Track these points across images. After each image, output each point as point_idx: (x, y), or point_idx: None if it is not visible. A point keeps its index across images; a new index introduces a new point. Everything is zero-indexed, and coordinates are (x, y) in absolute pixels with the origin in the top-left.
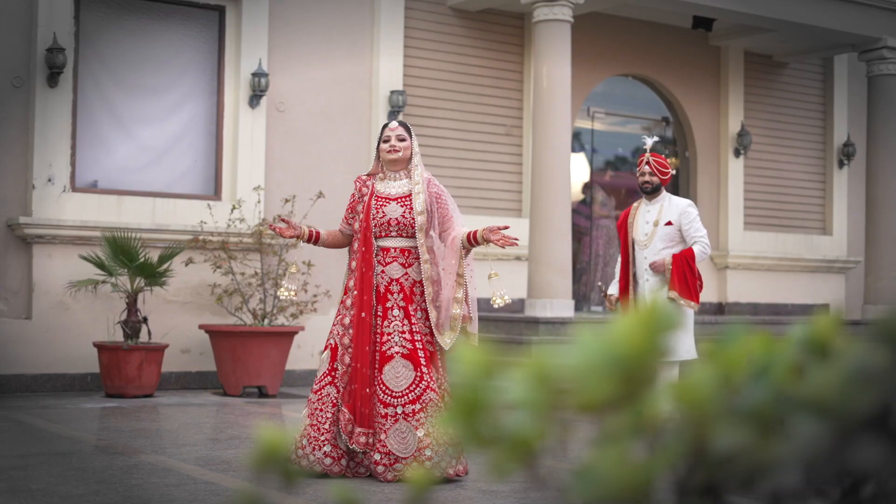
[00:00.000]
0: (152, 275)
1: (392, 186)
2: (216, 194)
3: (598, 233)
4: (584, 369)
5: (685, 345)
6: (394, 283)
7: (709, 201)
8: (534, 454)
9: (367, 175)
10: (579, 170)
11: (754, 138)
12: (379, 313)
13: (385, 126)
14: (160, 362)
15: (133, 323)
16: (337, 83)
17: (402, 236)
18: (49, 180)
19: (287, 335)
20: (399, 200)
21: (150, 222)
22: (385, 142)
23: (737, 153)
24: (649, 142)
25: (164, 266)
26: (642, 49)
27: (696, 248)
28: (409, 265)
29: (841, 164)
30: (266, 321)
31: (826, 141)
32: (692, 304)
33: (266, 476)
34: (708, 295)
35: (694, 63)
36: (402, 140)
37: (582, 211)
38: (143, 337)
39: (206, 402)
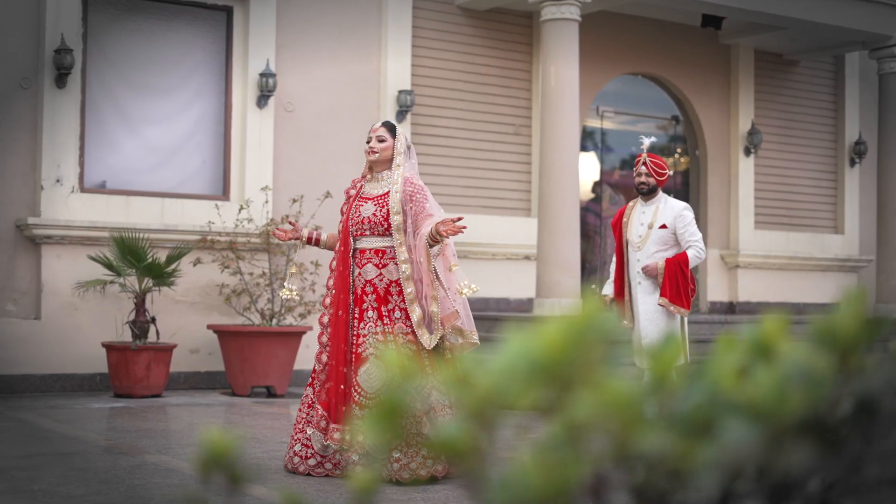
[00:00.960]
0: (160, 275)
1: (376, 187)
2: (224, 194)
3: (608, 231)
4: (506, 373)
5: None
6: (368, 284)
7: (719, 200)
8: (461, 457)
9: (362, 176)
10: (589, 169)
11: (765, 137)
12: (356, 315)
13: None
14: (168, 362)
15: (141, 323)
16: (345, 83)
17: (375, 235)
18: (57, 181)
19: (295, 335)
20: (375, 200)
21: (159, 222)
22: (367, 143)
23: (747, 152)
24: (647, 142)
25: (172, 266)
26: (651, 48)
27: (689, 253)
28: (384, 266)
29: (852, 163)
30: (274, 321)
31: (837, 139)
32: (682, 310)
33: (212, 478)
34: (718, 294)
35: (704, 61)
36: (382, 140)
37: (592, 209)
38: (152, 337)
39: (214, 402)
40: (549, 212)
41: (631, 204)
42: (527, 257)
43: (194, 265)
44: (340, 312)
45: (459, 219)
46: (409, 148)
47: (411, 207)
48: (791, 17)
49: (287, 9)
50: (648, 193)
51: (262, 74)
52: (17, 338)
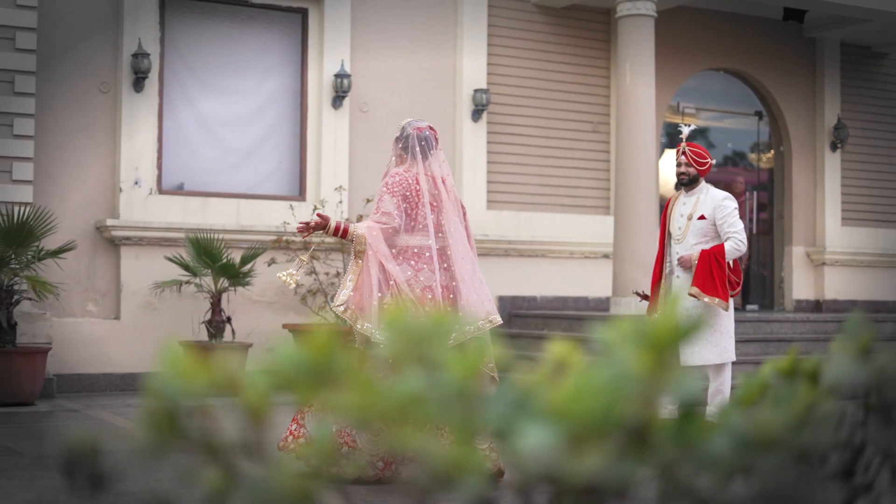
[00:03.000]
0: (235, 275)
1: None
2: (300, 195)
3: None
4: (270, 374)
5: (713, 348)
6: None
7: (805, 196)
8: (224, 460)
9: None
10: (673, 166)
11: (852, 131)
12: None
13: None
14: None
15: (217, 322)
16: (420, 83)
17: None
18: (136, 183)
19: None
20: None
21: (235, 223)
22: None
23: (833, 147)
24: (685, 130)
25: (247, 266)
26: (733, 42)
27: (727, 245)
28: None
29: None
30: None
31: None
32: (717, 301)
33: (74, 476)
34: (804, 292)
35: (788, 56)
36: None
37: None
38: (228, 336)
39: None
40: (626, 210)
41: (675, 195)
42: (605, 256)
43: (269, 265)
44: None
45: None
46: (406, 137)
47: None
48: (876, 10)
49: (362, 10)
50: (689, 184)
51: (336, 75)
52: (98, 337)
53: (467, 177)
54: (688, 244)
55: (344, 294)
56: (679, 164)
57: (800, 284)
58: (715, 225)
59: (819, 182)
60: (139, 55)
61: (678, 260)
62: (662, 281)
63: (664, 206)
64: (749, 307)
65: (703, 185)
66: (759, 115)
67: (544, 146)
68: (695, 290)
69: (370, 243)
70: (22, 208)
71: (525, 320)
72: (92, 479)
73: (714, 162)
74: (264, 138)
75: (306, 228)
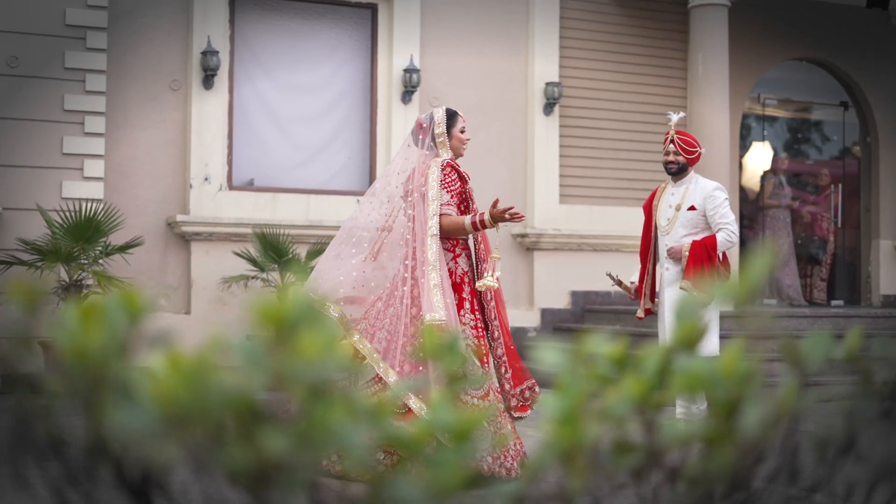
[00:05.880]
0: (301, 270)
1: None
2: None
3: (767, 223)
4: None
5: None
6: None
7: (893, 189)
8: None
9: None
10: (760, 158)
11: None
12: None
13: (456, 114)
14: None
15: None
16: (490, 77)
17: None
18: (206, 179)
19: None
20: None
21: (304, 219)
22: (461, 132)
23: None
24: (674, 118)
25: (314, 262)
26: (816, 31)
27: (719, 236)
28: None
29: None
30: None
31: None
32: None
33: None
34: (893, 287)
35: (874, 44)
36: None
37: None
38: None
39: None
40: None
41: (662, 185)
42: None
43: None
44: None
45: None
46: (414, 129)
47: None
48: None
49: (432, 4)
50: (678, 173)
51: (406, 70)
52: (169, 332)
53: (539, 171)
54: (676, 235)
55: None
56: (667, 153)
57: (888, 279)
58: (705, 216)
59: None
60: (208, 53)
61: (668, 251)
62: (646, 275)
63: (648, 197)
64: (834, 302)
65: (693, 175)
66: (844, 105)
67: (617, 139)
68: (686, 283)
69: None
70: (90, 204)
71: (598, 315)
72: None
73: (703, 151)
74: (334, 134)
75: None
